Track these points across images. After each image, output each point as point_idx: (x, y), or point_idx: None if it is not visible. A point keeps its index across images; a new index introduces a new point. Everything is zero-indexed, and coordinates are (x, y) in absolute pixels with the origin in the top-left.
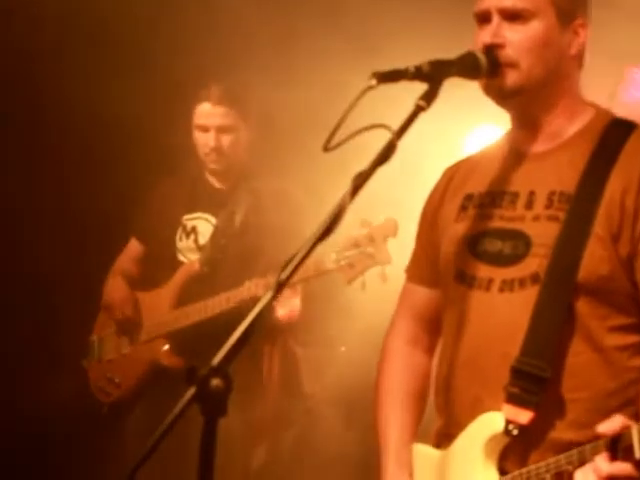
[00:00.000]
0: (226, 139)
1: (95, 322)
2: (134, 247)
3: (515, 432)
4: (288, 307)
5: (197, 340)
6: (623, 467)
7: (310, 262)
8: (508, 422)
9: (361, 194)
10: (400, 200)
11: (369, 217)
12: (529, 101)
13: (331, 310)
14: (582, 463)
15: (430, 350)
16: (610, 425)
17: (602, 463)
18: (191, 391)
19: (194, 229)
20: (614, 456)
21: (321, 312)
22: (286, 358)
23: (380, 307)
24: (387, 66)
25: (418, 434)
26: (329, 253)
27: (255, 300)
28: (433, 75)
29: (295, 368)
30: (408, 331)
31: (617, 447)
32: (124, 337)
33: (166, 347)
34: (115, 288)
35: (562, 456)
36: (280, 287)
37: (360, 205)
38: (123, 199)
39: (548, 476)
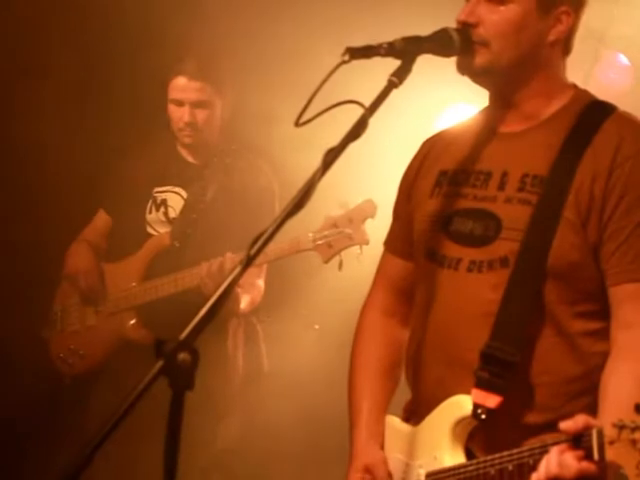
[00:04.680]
0: (201, 114)
1: (56, 292)
2: (102, 219)
3: (483, 416)
4: (251, 294)
5: (165, 314)
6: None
7: (286, 241)
8: (476, 406)
9: (340, 175)
10: (378, 181)
11: (347, 198)
12: (501, 81)
13: (307, 289)
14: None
15: (406, 322)
16: (573, 424)
17: (570, 458)
18: (158, 364)
19: (164, 202)
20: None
21: (296, 290)
22: (249, 334)
23: (356, 287)
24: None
25: (391, 405)
26: (306, 233)
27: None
28: (406, 51)
29: (257, 345)
30: (384, 303)
31: (579, 446)
32: (89, 308)
33: (133, 320)
34: (80, 257)
35: (526, 448)
36: (249, 262)
37: (338, 186)
38: (91, 169)
39: (510, 466)
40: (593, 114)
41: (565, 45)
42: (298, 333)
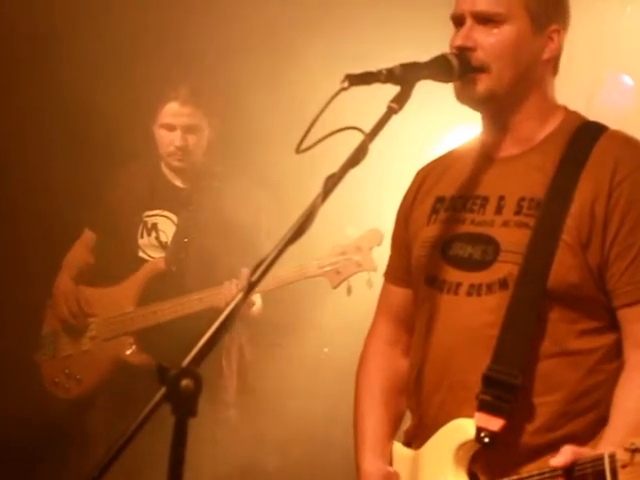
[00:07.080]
0: (192, 139)
1: (44, 317)
2: (89, 238)
3: (486, 440)
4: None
5: (164, 337)
6: None
7: (294, 267)
8: (480, 430)
9: (345, 203)
10: (384, 209)
11: (354, 228)
12: (501, 105)
13: (317, 314)
14: None
15: (409, 351)
16: (562, 458)
17: None
18: (162, 391)
19: (155, 226)
20: None
21: (307, 315)
22: (241, 355)
23: (365, 312)
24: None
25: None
26: (312, 260)
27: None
28: (405, 78)
29: (245, 365)
30: (387, 332)
31: (574, 475)
32: (84, 333)
33: (133, 346)
34: (59, 284)
35: (535, 472)
36: (250, 288)
37: (346, 214)
38: (74, 191)
39: None
40: (586, 135)
41: (555, 64)
42: (308, 357)
